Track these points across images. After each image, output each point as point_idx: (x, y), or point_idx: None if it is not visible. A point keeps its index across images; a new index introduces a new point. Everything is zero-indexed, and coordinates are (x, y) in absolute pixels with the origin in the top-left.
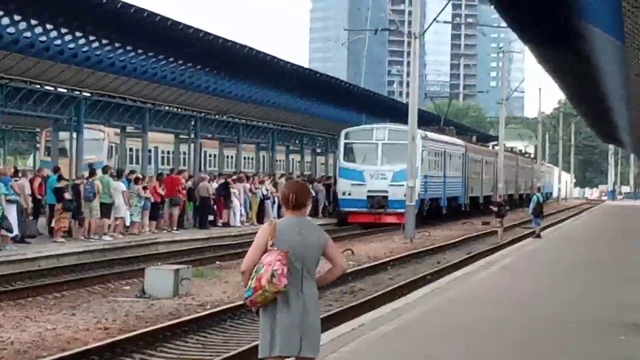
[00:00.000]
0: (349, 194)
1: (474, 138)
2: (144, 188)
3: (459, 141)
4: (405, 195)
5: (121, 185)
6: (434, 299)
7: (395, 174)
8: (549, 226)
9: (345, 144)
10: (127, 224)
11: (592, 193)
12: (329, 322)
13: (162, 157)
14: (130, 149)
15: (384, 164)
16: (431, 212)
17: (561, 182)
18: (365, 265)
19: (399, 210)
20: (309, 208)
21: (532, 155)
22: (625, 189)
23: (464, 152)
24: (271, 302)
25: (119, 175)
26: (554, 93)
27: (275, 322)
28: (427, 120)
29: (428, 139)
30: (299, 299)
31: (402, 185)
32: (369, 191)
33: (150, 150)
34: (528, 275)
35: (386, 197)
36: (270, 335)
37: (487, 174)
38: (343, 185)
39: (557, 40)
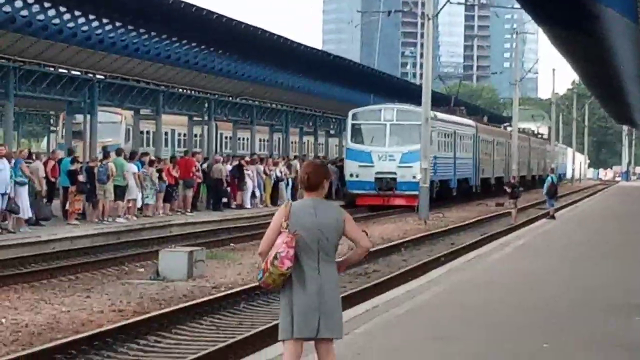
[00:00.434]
0: (357, 176)
1: (485, 118)
2: (159, 170)
3: (470, 121)
4: (414, 177)
5: (133, 167)
6: (447, 281)
7: (404, 155)
8: (562, 207)
9: (353, 124)
10: (139, 205)
11: (606, 174)
12: (342, 304)
13: (179, 140)
14: (147, 132)
15: (392, 145)
16: (441, 194)
17: (575, 163)
18: (379, 247)
19: (407, 193)
20: (325, 189)
21: (545, 136)
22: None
23: (474, 133)
24: (288, 284)
25: (131, 157)
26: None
27: (292, 304)
28: (437, 101)
29: (437, 119)
30: (315, 280)
31: (411, 166)
32: (377, 173)
33: (166, 133)
34: (542, 256)
35: (395, 179)
36: (288, 317)
37: (498, 155)
38: (351, 167)
39: (571, 21)
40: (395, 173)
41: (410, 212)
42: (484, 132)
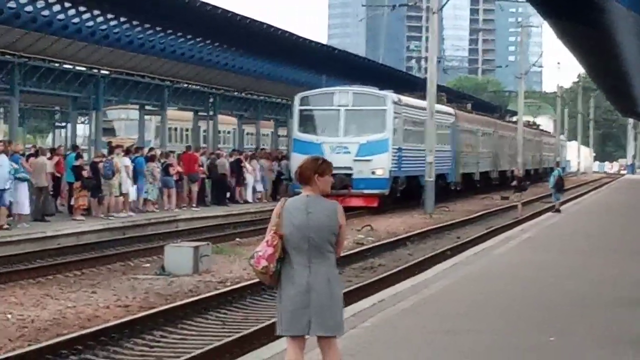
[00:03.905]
0: None
1: (469, 106)
2: (170, 165)
3: (447, 109)
4: (373, 173)
5: (125, 161)
6: (453, 274)
7: (361, 146)
8: (568, 200)
9: (301, 110)
10: (132, 199)
11: (611, 167)
12: (349, 298)
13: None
14: (176, 129)
15: (348, 135)
16: (409, 193)
17: (580, 157)
18: (385, 241)
19: (366, 191)
20: (320, 184)
21: (542, 127)
22: None
23: (453, 121)
24: (280, 281)
25: (126, 152)
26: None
27: (282, 300)
28: (415, 86)
29: (402, 104)
30: (304, 278)
31: (370, 160)
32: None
33: (175, 129)
34: (547, 250)
35: (350, 175)
36: (279, 314)
37: (484, 147)
38: (297, 161)
39: (577, 14)
40: (351, 168)
41: (416, 206)
42: (466, 121)
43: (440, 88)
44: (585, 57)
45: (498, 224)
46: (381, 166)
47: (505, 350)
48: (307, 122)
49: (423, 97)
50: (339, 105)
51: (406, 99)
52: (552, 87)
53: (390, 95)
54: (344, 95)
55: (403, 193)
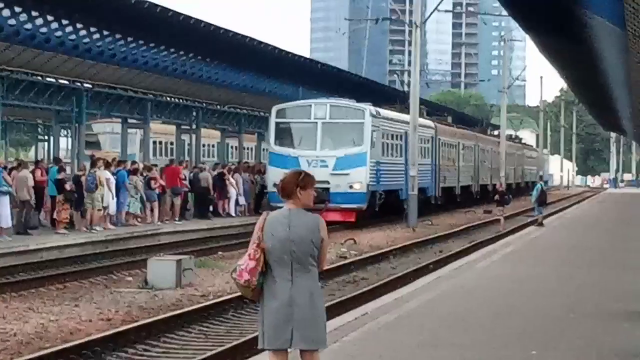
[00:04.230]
0: None
1: (449, 119)
2: (153, 179)
3: (427, 122)
4: (351, 187)
5: (106, 174)
6: (436, 288)
7: (338, 160)
8: (550, 214)
9: (277, 123)
10: (111, 212)
11: (594, 181)
12: (331, 312)
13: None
14: (153, 142)
15: (325, 148)
16: (388, 207)
17: (563, 170)
18: (368, 255)
19: (343, 206)
20: (302, 197)
21: (524, 141)
22: (628, 176)
23: (433, 135)
24: (262, 295)
25: (107, 165)
26: (555, 81)
27: (264, 314)
28: (394, 98)
29: (381, 117)
30: (286, 291)
31: (347, 174)
32: None
33: (160, 142)
34: (530, 263)
35: (327, 189)
36: (261, 327)
37: (465, 160)
38: (274, 175)
39: (558, 28)
40: (328, 182)
41: (399, 220)
42: (446, 135)
43: (420, 101)
44: (568, 70)
45: (481, 238)
46: (359, 180)
47: None
48: (284, 135)
49: (402, 110)
50: (316, 118)
51: (385, 112)
52: (535, 100)
53: (368, 107)
54: (321, 108)
55: (382, 207)
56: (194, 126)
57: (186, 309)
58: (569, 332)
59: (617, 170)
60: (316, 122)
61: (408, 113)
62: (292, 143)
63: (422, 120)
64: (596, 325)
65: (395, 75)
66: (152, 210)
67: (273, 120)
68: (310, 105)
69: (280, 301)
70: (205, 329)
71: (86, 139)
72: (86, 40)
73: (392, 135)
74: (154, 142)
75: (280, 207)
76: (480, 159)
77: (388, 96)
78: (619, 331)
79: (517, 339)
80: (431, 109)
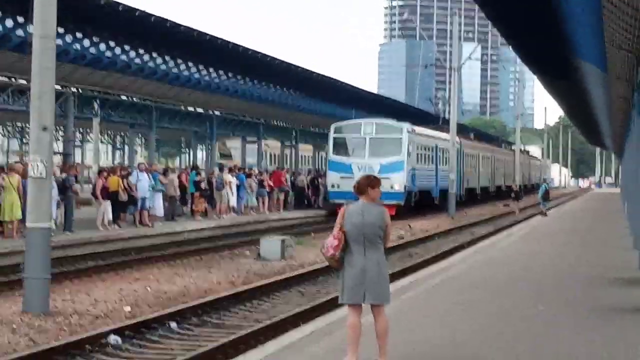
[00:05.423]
0: (338, 187)
1: (472, 135)
2: (263, 180)
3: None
4: (392, 187)
5: (229, 177)
6: (469, 260)
7: (382, 166)
8: (552, 207)
9: (335, 138)
10: (234, 205)
11: (584, 183)
12: (392, 278)
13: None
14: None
15: (371, 157)
16: (423, 203)
17: (561, 175)
18: (419, 237)
19: (386, 202)
20: (371, 194)
21: (531, 153)
22: (609, 179)
23: (458, 148)
24: (343, 265)
25: (230, 171)
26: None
27: (344, 279)
28: (429, 121)
29: (415, 133)
30: (361, 262)
31: (389, 177)
32: None
33: (270, 154)
34: (538, 242)
35: None
36: (341, 287)
37: (484, 167)
38: (332, 178)
39: (557, 72)
40: None
41: (434, 212)
42: (468, 147)
43: (446, 122)
44: (564, 102)
45: (502, 224)
46: (398, 182)
47: (507, 316)
48: (340, 146)
49: (436, 129)
50: (365, 134)
51: (420, 129)
52: (541, 124)
53: (405, 125)
54: (369, 126)
55: (417, 203)
56: (293, 142)
57: (288, 275)
58: (566, 293)
59: (601, 175)
60: (365, 137)
61: (440, 131)
62: (347, 153)
63: (445, 135)
64: (588, 288)
65: (439, 105)
66: (263, 203)
67: (332, 135)
68: (361, 124)
69: (356, 269)
70: (302, 289)
71: (222, 151)
72: (216, 79)
73: (425, 147)
74: (265, 154)
75: (337, 204)
76: (495, 166)
77: (425, 118)
78: (604, 293)
79: (529, 298)
80: (459, 129)
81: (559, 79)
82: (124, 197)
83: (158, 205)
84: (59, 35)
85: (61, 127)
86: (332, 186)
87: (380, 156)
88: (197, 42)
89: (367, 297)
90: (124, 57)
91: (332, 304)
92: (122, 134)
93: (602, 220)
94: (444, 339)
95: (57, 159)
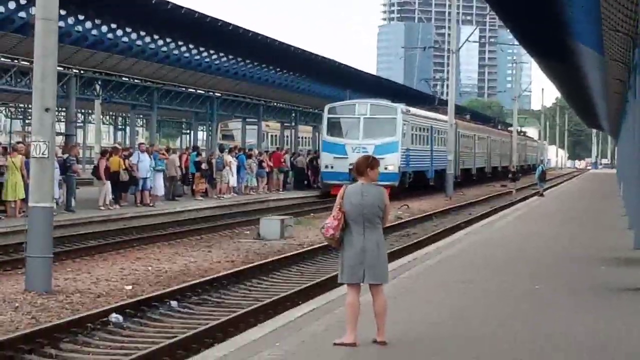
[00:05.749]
0: (332, 167)
1: (468, 116)
2: (260, 162)
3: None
4: (386, 168)
5: (229, 158)
6: (466, 240)
7: (376, 147)
8: (549, 188)
9: (329, 118)
10: (234, 185)
11: (580, 164)
12: (391, 257)
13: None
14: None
15: (366, 138)
16: (417, 184)
17: (557, 156)
18: (417, 217)
19: (380, 183)
20: (370, 175)
21: (528, 134)
22: (605, 160)
23: (454, 129)
24: (342, 244)
25: (230, 151)
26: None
27: (344, 259)
28: (424, 101)
29: (410, 114)
30: (360, 241)
31: (383, 158)
32: (350, 164)
33: (270, 135)
34: (534, 223)
35: None
36: (341, 268)
37: (480, 148)
38: (326, 159)
39: (555, 54)
40: None
41: (430, 193)
42: (464, 128)
43: (442, 102)
44: (561, 84)
45: (498, 204)
46: (392, 163)
47: (503, 294)
48: (334, 127)
49: (430, 109)
50: (359, 114)
51: (414, 110)
52: (538, 105)
53: (400, 106)
54: (363, 106)
55: (411, 184)
56: (292, 123)
57: (287, 254)
58: (561, 272)
59: (597, 156)
60: (359, 118)
61: (435, 112)
62: (341, 134)
63: (441, 116)
64: (582, 267)
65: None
66: (262, 183)
67: (326, 116)
68: (355, 104)
69: (355, 249)
70: (301, 268)
71: (223, 132)
72: (217, 61)
73: (420, 128)
74: (265, 134)
75: (331, 184)
76: (491, 147)
77: (420, 99)
78: (598, 272)
79: (525, 277)
80: (456, 110)
81: (556, 61)
82: (125, 177)
83: (159, 185)
84: (61, 17)
85: (63, 109)
86: (326, 167)
87: (375, 137)
88: (198, 24)
89: (366, 277)
90: (125, 39)
91: (331, 283)
92: (124, 114)
93: (598, 201)
94: (441, 318)
95: (60, 140)
